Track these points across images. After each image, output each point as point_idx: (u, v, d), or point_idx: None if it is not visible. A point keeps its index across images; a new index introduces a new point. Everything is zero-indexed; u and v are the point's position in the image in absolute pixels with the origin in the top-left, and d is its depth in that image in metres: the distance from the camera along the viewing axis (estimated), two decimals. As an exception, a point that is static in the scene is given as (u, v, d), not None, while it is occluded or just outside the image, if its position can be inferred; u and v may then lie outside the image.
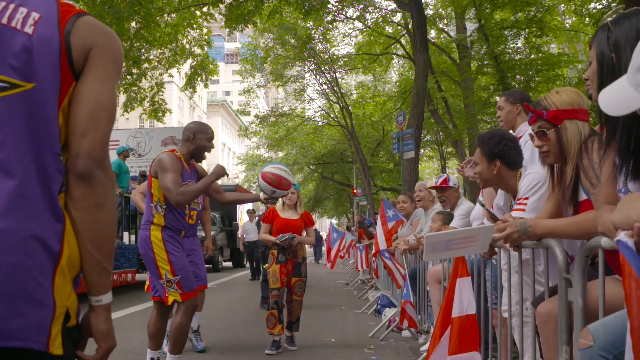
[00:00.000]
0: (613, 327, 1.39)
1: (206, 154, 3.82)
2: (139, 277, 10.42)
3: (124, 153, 10.77)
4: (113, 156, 11.26)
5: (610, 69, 1.49)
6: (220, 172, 3.64)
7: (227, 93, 77.63)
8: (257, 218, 13.36)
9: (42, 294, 1.10)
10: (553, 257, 2.16)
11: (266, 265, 5.34)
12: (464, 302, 2.57)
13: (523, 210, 2.42)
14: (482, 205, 2.48)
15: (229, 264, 18.63)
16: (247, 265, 15.05)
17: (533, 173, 2.56)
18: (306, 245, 5.50)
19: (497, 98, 17.04)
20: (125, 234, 10.35)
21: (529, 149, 3.01)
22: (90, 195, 1.17)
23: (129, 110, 16.66)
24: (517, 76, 16.08)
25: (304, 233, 5.36)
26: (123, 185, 10.33)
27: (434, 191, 5.23)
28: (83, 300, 1.18)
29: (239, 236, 13.87)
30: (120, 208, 9.96)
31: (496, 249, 2.58)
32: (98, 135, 1.18)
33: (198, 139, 3.73)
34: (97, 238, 1.18)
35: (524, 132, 3.27)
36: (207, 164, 65.89)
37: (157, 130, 15.83)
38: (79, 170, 1.16)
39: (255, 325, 6.29)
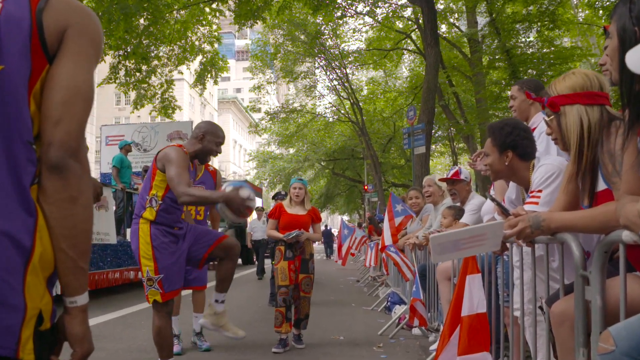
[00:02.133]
0: (637, 329, 1.28)
1: (212, 157, 3.63)
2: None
3: (126, 147, 10.47)
4: (115, 150, 11.17)
5: (633, 44, 1.37)
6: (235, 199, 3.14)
7: (238, 90, 77.89)
8: (264, 216, 13.24)
9: (12, 294, 1.01)
10: (569, 253, 2.05)
11: (274, 261, 5.26)
12: (474, 300, 2.46)
13: (536, 203, 2.29)
14: (493, 199, 2.31)
15: (238, 260, 18.49)
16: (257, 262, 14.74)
17: (547, 164, 2.42)
18: (314, 242, 5.44)
19: (509, 92, 16.92)
20: (128, 231, 10.18)
21: (543, 141, 2.88)
22: (63, 188, 1.07)
23: (139, 107, 16.66)
24: (529, 70, 15.90)
25: (311, 230, 5.27)
26: (125, 181, 10.13)
27: (443, 185, 5.10)
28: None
29: (247, 232, 13.67)
30: (122, 204, 9.75)
31: (508, 245, 2.46)
32: (73, 123, 1.09)
33: (206, 141, 3.51)
34: (71, 235, 1.09)
35: (539, 122, 3.13)
36: (219, 161, 66.02)
37: (163, 124, 15.47)
38: (52, 161, 1.06)
39: (263, 324, 6.20)
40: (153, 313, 3.41)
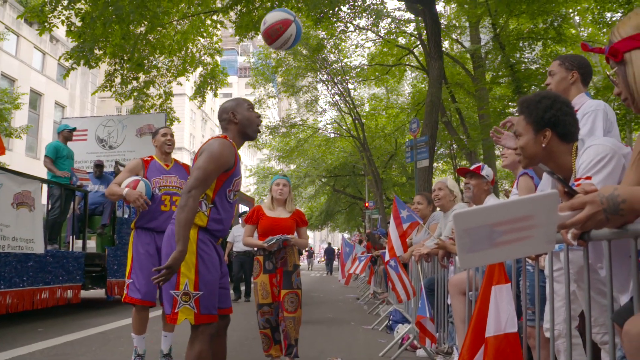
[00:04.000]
0: None
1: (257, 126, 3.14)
2: (85, 294, 8.60)
3: (63, 133, 8.36)
4: (77, 146, 10.07)
5: None
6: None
7: (240, 107, 77.87)
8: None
9: None
10: (622, 255, 1.63)
11: (253, 275, 4.62)
12: (502, 316, 1.98)
13: (584, 193, 1.84)
14: (551, 173, 1.68)
15: None
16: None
17: (597, 145, 1.95)
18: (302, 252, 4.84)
19: (512, 110, 16.72)
20: (76, 240, 8.51)
21: (587, 122, 2.45)
22: None
23: (135, 117, 16.31)
24: (533, 87, 15.64)
25: (296, 235, 4.60)
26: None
27: (455, 189, 4.66)
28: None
29: (227, 242, 11.69)
30: (59, 203, 7.80)
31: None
32: None
33: (239, 114, 3.06)
34: None
35: (580, 104, 2.68)
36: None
37: (132, 117, 13.25)
38: None
39: (255, 343, 5.71)
40: (191, 335, 2.81)
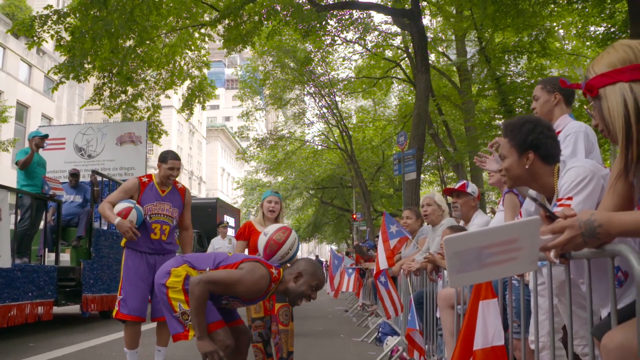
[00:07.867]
0: None
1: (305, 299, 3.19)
2: (57, 310, 8.01)
3: (34, 140, 7.73)
4: (54, 156, 9.88)
5: None
6: None
7: (227, 118, 77.90)
8: (231, 233, 11.82)
9: None
10: (603, 272, 1.71)
11: None
12: (489, 330, 2.07)
13: (565, 213, 1.94)
14: (534, 199, 1.76)
15: None
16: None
17: (577, 167, 2.06)
18: None
19: (498, 122, 16.94)
20: (48, 252, 7.88)
21: (569, 145, 2.57)
22: None
23: (123, 131, 16.29)
24: (519, 99, 15.88)
25: None
26: (35, 183, 7.72)
27: (443, 204, 4.75)
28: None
29: None
30: (29, 214, 7.32)
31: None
32: None
33: (301, 282, 3.09)
34: None
35: (563, 126, 2.81)
36: (207, 190, 65.21)
37: (112, 125, 12.71)
38: None
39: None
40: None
